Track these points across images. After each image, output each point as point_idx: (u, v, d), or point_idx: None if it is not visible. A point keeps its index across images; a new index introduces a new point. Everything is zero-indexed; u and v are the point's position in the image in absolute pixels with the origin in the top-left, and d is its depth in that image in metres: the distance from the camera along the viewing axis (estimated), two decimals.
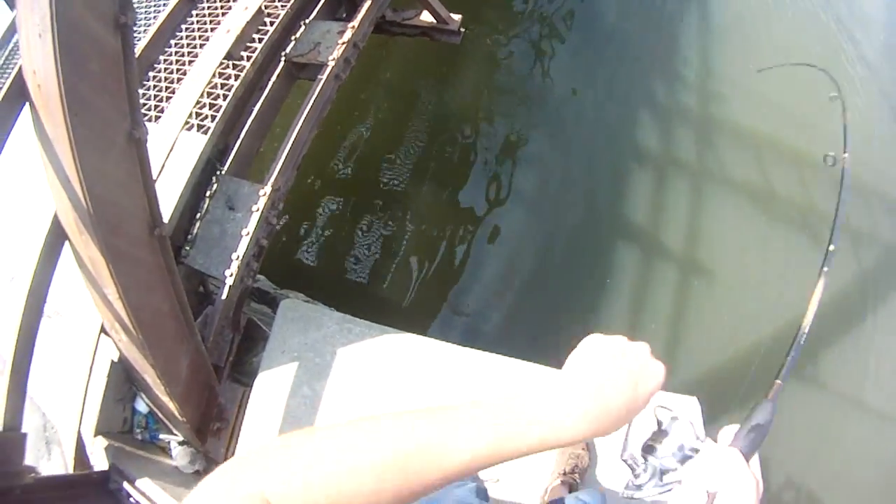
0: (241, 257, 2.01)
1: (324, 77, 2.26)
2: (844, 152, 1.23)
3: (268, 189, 2.08)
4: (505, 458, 0.49)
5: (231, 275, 2.00)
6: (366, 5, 2.47)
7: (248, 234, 2.03)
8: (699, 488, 0.61)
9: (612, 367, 0.55)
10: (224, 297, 2.01)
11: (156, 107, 2.31)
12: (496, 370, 1.98)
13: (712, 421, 2.84)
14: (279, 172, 2.12)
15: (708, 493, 0.60)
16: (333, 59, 2.29)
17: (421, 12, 2.65)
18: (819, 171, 3.52)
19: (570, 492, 1.86)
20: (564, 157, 3.52)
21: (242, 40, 2.33)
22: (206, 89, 2.31)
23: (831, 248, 0.82)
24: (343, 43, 2.34)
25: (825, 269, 0.81)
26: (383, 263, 3.21)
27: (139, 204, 1.71)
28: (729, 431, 0.69)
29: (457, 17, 2.62)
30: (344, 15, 2.57)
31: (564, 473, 1.88)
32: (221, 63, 2.33)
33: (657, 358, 0.57)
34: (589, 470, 1.93)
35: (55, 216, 1.67)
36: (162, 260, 1.84)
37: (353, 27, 2.38)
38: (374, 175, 3.43)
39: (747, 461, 0.63)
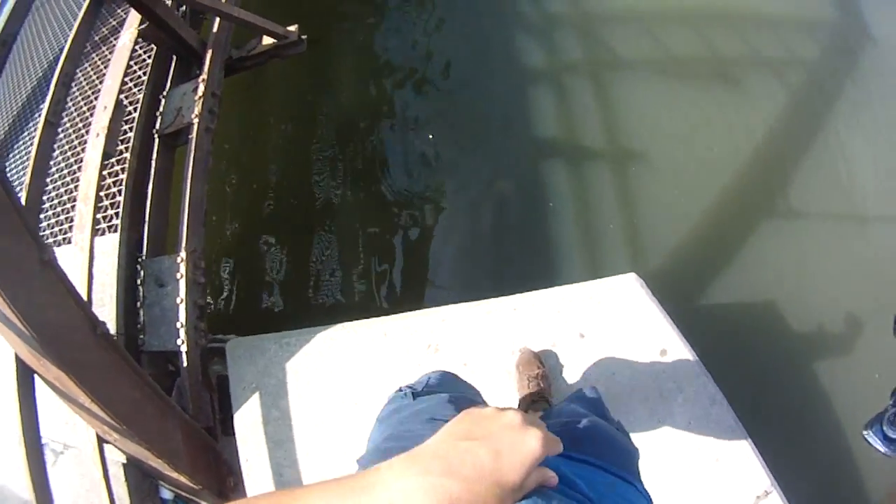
0: (184, 324, 2.42)
1: (193, 135, 2.66)
2: None
3: (183, 254, 2.49)
4: None
5: (182, 342, 2.41)
6: (208, 55, 2.86)
7: (182, 300, 2.44)
8: None
9: (467, 440, 0.58)
10: (185, 364, 2.41)
11: (61, 231, 2.74)
12: (427, 325, 2.35)
13: (687, 293, 3.19)
14: (187, 235, 2.52)
15: None
16: (196, 115, 2.69)
17: (261, 39, 3.04)
18: (713, 20, 3.83)
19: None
20: (472, 111, 3.85)
21: (114, 137, 2.73)
22: (101, 193, 2.73)
23: None
24: (200, 97, 2.74)
25: None
26: (344, 276, 3.59)
27: (75, 314, 2.10)
28: None
29: (293, 28, 3.00)
30: (197, 72, 2.96)
31: (533, 401, 2.11)
32: (104, 164, 2.74)
33: (530, 422, 0.61)
34: (554, 384, 2.22)
35: (16, 357, 2.11)
36: (115, 354, 2.23)
37: (203, 80, 2.78)
38: (301, 199, 3.82)
39: None
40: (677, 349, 2.20)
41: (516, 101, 3.82)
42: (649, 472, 2.06)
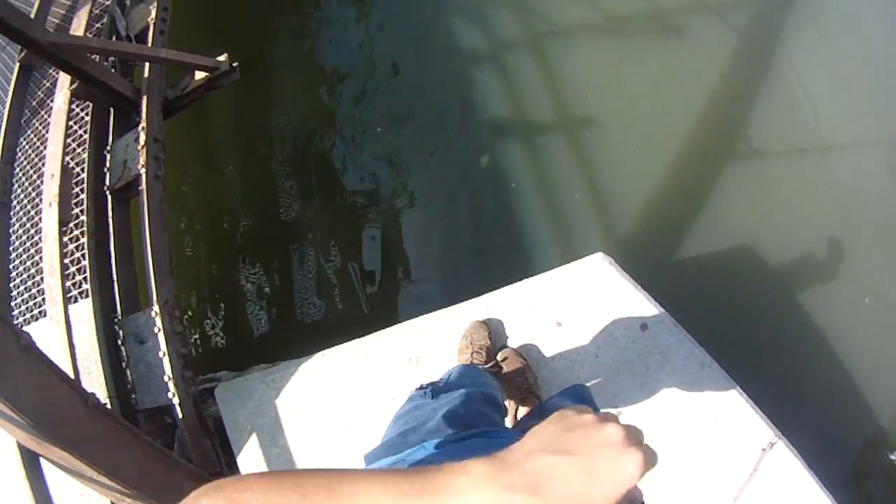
0: (171, 376, 2.46)
1: (144, 186, 2.68)
2: None
3: (157, 308, 2.52)
4: None
5: (173, 395, 2.45)
6: (144, 101, 2.86)
7: (164, 353, 2.48)
8: None
9: (560, 454, 0.52)
10: (181, 416, 2.46)
11: (35, 304, 2.77)
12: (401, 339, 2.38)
13: (662, 253, 3.21)
14: (157, 287, 2.56)
15: None
16: (142, 165, 2.70)
17: (193, 74, 3.03)
18: None
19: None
20: (423, 106, 3.85)
21: (67, 203, 2.75)
22: (66, 260, 2.76)
23: None
24: (143, 146, 2.74)
25: None
26: (328, 290, 3.62)
27: (62, 391, 2.14)
28: None
29: (222, 57, 2.99)
30: (137, 121, 2.96)
31: (522, 399, 2.11)
32: (63, 232, 2.76)
33: (633, 442, 0.53)
34: (539, 376, 2.23)
35: (17, 444, 2.16)
36: (110, 422, 2.28)
37: (143, 128, 2.79)
38: (272, 221, 3.84)
39: None
40: (657, 321, 2.20)
41: (465, 88, 3.81)
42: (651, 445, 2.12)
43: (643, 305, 2.20)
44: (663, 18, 3.76)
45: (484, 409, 1.30)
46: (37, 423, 1.89)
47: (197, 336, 3.68)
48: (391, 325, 3.21)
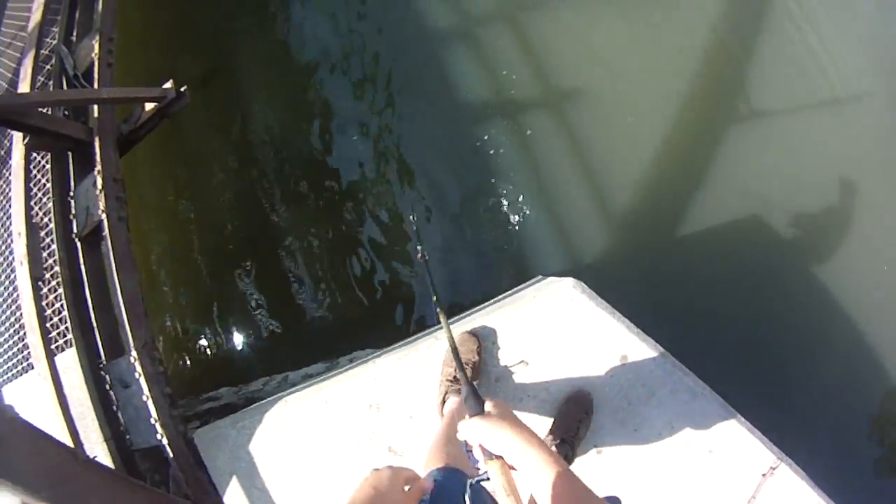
0: (158, 417, 2.57)
1: (106, 230, 2.76)
2: None
3: (135, 353, 2.62)
4: None
5: (162, 436, 2.57)
6: (96, 142, 2.93)
7: (148, 396, 2.58)
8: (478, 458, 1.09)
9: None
10: (172, 455, 2.58)
11: (24, 357, 2.91)
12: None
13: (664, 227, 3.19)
14: (132, 331, 2.66)
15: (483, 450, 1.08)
16: (102, 210, 2.78)
17: (143, 106, 3.06)
18: None
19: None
20: (401, 85, 3.84)
21: (37, 260, 2.88)
22: (47, 312, 2.89)
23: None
24: (101, 190, 2.81)
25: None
26: (324, 293, 3.70)
27: (53, 453, 2.24)
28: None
29: (168, 85, 3.00)
30: (94, 162, 3.02)
31: (560, 439, 2.00)
32: (38, 287, 2.88)
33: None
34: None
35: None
36: (103, 472, 2.41)
37: (98, 171, 2.85)
38: (260, 228, 3.91)
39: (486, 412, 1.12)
40: (639, 351, 2.08)
41: (442, 69, 3.75)
42: (640, 487, 2.05)
43: (623, 335, 2.09)
44: None
45: None
46: (33, 489, 2.02)
47: (209, 350, 3.81)
48: (392, 327, 3.28)
